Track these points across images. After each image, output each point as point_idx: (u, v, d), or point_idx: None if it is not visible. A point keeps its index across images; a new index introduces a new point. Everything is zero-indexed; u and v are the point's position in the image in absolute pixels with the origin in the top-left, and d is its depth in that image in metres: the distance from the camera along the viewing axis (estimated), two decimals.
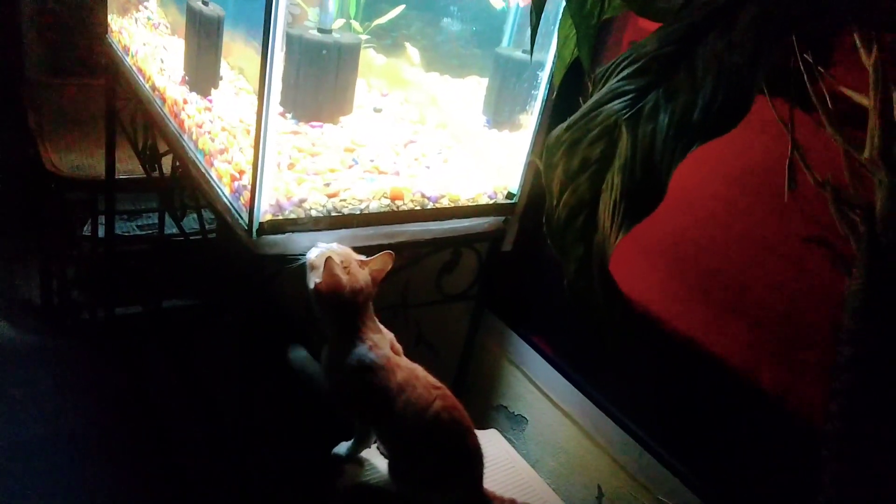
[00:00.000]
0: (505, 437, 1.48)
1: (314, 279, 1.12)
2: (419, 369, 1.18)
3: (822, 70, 0.92)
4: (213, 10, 1.45)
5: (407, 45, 1.61)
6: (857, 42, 0.80)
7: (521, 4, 1.55)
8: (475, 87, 1.66)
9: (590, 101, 0.72)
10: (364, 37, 1.58)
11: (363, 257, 1.17)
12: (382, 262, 1.17)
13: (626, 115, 0.67)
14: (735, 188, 1.11)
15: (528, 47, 1.54)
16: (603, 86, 0.73)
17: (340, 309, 1.13)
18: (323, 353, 1.18)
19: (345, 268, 1.12)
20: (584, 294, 0.74)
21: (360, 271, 1.14)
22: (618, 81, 0.70)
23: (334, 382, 1.16)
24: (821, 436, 0.88)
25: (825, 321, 1.02)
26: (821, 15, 0.64)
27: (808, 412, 1.09)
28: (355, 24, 1.60)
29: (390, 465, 1.20)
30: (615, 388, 1.36)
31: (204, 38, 1.45)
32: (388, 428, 1.16)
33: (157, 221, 2.33)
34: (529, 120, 1.44)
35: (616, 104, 0.69)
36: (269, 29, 1.08)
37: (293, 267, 1.18)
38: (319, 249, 1.14)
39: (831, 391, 0.86)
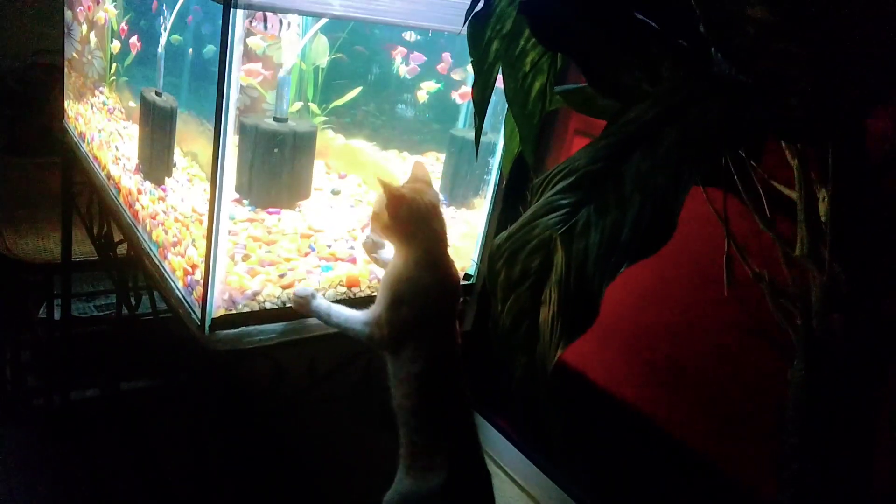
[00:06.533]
0: None
1: (374, 216, 1.12)
2: None
3: (753, 164, 0.95)
4: (166, 100, 1.47)
5: None
6: (783, 143, 0.84)
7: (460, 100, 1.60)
8: (433, 164, 1.69)
9: (528, 213, 0.74)
10: (322, 118, 1.61)
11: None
12: (417, 171, 1.16)
13: (561, 231, 0.68)
14: (681, 274, 1.14)
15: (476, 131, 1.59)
16: (540, 196, 0.75)
17: (421, 223, 1.09)
18: (388, 275, 1.12)
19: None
20: (531, 400, 0.75)
21: (414, 187, 1.12)
22: (553, 195, 0.72)
23: (398, 303, 1.09)
24: None
25: (770, 404, 1.04)
26: (741, 133, 0.67)
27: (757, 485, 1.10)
28: (313, 107, 1.63)
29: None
30: (579, 469, 1.36)
31: (157, 128, 1.46)
32: (431, 361, 1.10)
33: (115, 301, 2.30)
34: (483, 202, 1.46)
35: (551, 218, 0.70)
36: (221, 129, 1.09)
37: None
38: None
39: (780, 481, 0.87)
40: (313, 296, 1.17)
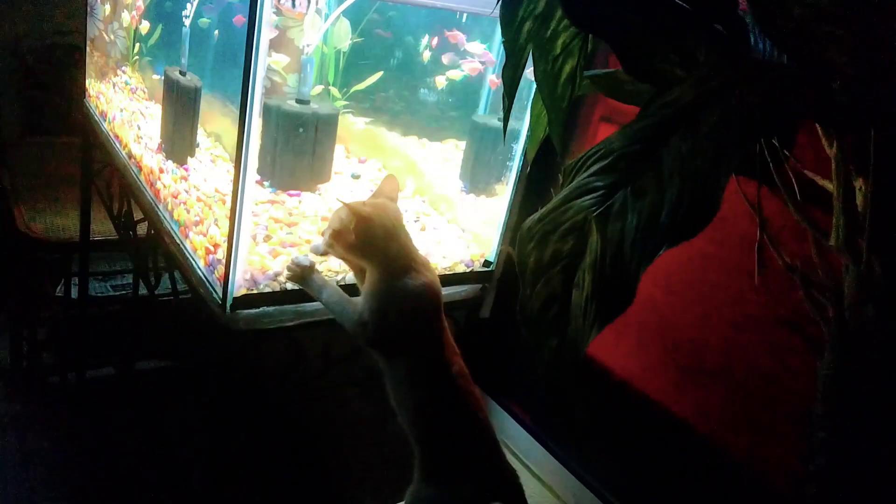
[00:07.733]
0: None
1: (335, 234, 1.08)
2: None
3: (786, 153, 0.94)
4: (190, 80, 1.47)
5: None
6: (820, 132, 0.83)
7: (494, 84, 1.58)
8: (453, 152, 1.68)
9: (560, 195, 0.73)
10: (343, 103, 1.60)
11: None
12: (386, 185, 1.15)
13: (596, 213, 0.67)
14: (708, 264, 1.12)
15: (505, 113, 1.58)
16: (572, 179, 0.74)
17: (388, 241, 1.08)
18: (368, 288, 1.10)
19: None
20: (558, 385, 0.74)
21: (376, 204, 1.11)
22: (587, 177, 0.71)
23: (383, 312, 1.08)
24: None
25: (798, 400, 1.03)
26: (782, 117, 0.66)
27: (782, 478, 1.09)
28: (334, 91, 1.62)
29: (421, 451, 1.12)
30: (596, 459, 1.35)
31: (181, 107, 1.46)
32: (426, 367, 1.09)
33: (131, 281, 2.31)
34: (505, 188, 1.45)
35: (585, 200, 0.69)
36: (246, 111, 1.08)
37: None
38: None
39: (806, 474, 0.86)
40: (312, 268, 1.14)
